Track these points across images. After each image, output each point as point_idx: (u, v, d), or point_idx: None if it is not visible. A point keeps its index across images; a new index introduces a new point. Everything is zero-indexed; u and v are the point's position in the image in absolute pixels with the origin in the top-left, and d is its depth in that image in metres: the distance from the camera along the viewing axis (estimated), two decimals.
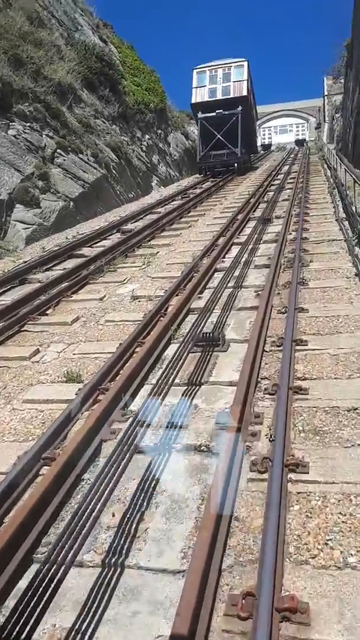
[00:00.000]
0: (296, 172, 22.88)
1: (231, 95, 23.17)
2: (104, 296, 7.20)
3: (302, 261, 7.67)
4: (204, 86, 23.56)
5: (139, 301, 6.80)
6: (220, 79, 23.37)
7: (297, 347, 4.69)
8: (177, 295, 6.76)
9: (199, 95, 23.68)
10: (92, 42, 20.02)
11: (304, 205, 13.06)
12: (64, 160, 14.44)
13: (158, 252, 9.89)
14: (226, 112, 22.86)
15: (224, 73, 23.41)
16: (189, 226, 12.59)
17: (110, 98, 19.78)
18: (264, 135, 62.68)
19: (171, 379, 4.31)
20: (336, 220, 10.76)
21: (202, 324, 5.53)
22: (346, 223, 10.14)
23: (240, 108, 22.94)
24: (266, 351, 4.72)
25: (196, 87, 23.75)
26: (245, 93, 23.22)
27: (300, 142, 51.64)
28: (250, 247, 9.31)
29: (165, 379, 4.29)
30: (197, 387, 4.18)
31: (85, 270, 8.63)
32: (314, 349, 4.65)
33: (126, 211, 16.54)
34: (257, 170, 28.30)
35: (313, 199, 14.43)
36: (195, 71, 23.80)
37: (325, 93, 52.33)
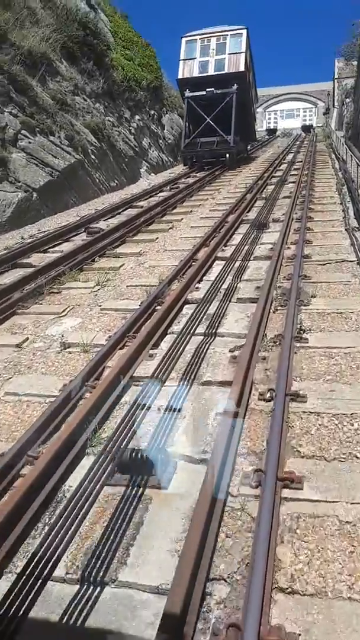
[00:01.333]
0: (301, 161, 20.72)
1: (225, 71, 19.62)
2: (26, 339, 5.22)
3: (301, 297, 5.69)
4: (194, 59, 19.86)
5: (69, 353, 4.83)
6: (213, 51, 19.68)
7: (286, 494, 2.74)
8: (122, 346, 4.80)
9: (187, 70, 20.03)
10: (75, 6, 17.55)
11: (307, 205, 11.00)
12: (30, 143, 12.32)
13: (122, 266, 7.89)
14: (219, 91, 19.32)
15: (218, 43, 19.72)
16: (170, 228, 10.55)
17: (94, 72, 17.47)
18: (269, 119, 59.87)
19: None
20: (346, 230, 8.73)
21: (137, 422, 3.53)
22: (359, 236, 8.13)
23: (235, 86, 19.36)
24: (232, 496, 2.78)
25: (184, 60, 20.11)
26: (242, 68, 19.62)
27: (307, 128, 49.05)
28: (236, 264, 7.32)
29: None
30: None
31: (20, 291, 6.63)
32: (314, 501, 2.71)
33: (105, 203, 14.48)
34: (258, 158, 26.08)
35: (319, 197, 12.36)
36: (184, 40, 20.28)
37: (336, 76, 49.59)
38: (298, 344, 4.55)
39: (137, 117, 20.84)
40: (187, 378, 4.09)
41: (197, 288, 6.37)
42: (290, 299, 5.55)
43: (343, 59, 43.23)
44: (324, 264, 7.01)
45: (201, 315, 5.45)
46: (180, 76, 20.28)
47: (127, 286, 6.82)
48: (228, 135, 19.41)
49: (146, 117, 21.52)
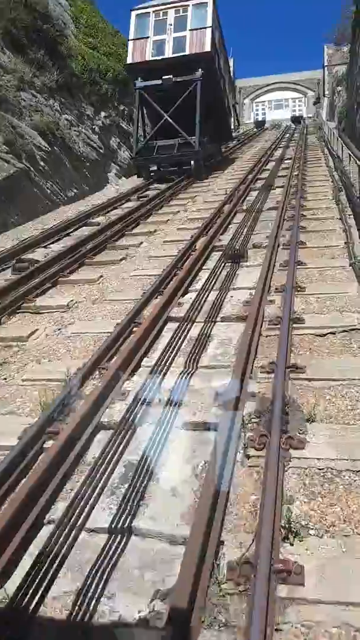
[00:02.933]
0: (290, 158, 18.32)
1: (187, 52, 15.00)
2: None
3: (290, 422, 3.32)
4: (146, 38, 15.21)
5: None
6: (171, 27, 14.96)
7: None
8: None
9: (139, 52, 15.33)
10: None
11: (298, 222, 8.63)
12: None
13: (32, 335, 5.52)
14: (179, 79, 14.80)
15: (177, 17, 15.03)
16: (122, 258, 8.19)
17: (46, 63, 14.95)
18: (257, 110, 57.12)
19: None
20: (351, 265, 6.37)
21: None
22: None
23: (200, 72, 14.81)
24: None
25: (134, 40, 15.52)
26: (208, 48, 14.97)
27: (297, 119, 46.48)
28: (194, 331, 4.96)
29: None
30: None
31: None
32: None
33: (57, 219, 12.07)
34: (244, 154, 23.66)
35: (312, 208, 10.00)
36: (134, 14, 15.68)
37: (325, 63, 47.13)
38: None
39: (102, 113, 18.26)
40: None
41: (122, 396, 3.96)
42: (272, 427, 3.19)
43: (333, 44, 40.76)
44: (323, 335, 4.65)
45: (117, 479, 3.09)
46: (129, 60, 15.82)
47: (19, 385, 4.43)
48: (192, 137, 15.18)
49: (114, 113, 18.95)
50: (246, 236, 8.41)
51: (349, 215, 8.90)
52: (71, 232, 10.59)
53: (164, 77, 14.86)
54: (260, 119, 53.61)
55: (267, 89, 56.21)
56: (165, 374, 4.17)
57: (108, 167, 17.39)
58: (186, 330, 5.05)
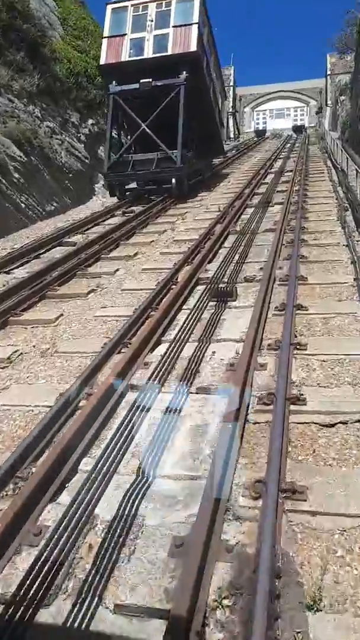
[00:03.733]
0: (291, 171, 17.16)
1: (169, 52, 13.03)
2: None
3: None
4: (123, 35, 13.24)
5: None
6: (151, 23, 13.04)
7: None
8: None
9: (113, 52, 13.34)
10: None
11: (298, 249, 7.41)
12: None
13: None
14: (159, 83, 12.92)
15: (158, 12, 13.09)
16: (89, 291, 6.96)
17: (26, 65, 13.78)
18: (257, 119, 56.10)
19: None
20: None
21: None
22: None
23: (185, 75, 12.93)
24: None
25: (109, 37, 13.61)
26: (194, 47, 12.94)
27: (298, 129, 45.50)
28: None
29: None
30: None
31: None
32: None
33: (31, 236, 10.86)
34: (243, 165, 22.53)
35: (314, 232, 8.81)
36: (109, 8, 13.81)
37: (328, 72, 46.23)
38: None
39: (90, 121, 17.07)
40: None
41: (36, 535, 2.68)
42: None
43: (336, 53, 39.78)
44: (331, 425, 3.40)
45: None
46: (102, 61, 13.80)
47: None
48: (173, 150, 13.07)
49: (103, 120, 17.79)
50: (237, 265, 7.18)
51: (357, 241, 7.67)
52: (42, 253, 9.40)
53: (141, 81, 12.94)
54: (261, 128, 52.69)
55: (268, 98, 55.24)
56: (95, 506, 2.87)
57: (95, 178, 16.20)
58: (146, 409, 3.78)
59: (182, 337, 4.99)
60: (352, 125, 22.09)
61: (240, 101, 53.93)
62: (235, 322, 5.25)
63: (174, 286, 6.50)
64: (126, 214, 12.56)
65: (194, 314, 5.56)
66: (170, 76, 12.90)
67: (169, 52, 13.08)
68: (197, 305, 5.82)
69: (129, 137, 15.10)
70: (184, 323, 5.28)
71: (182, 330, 5.13)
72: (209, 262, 7.52)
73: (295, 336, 4.70)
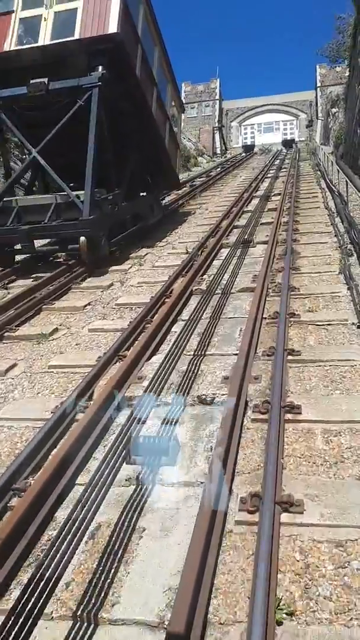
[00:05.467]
0: (279, 194, 14.64)
1: (76, 36, 8.76)
2: None
3: None
4: (9, 13, 8.91)
5: None
6: None
7: None
8: None
9: None
10: None
11: (285, 340, 4.78)
12: None
13: None
14: (58, 85, 8.79)
15: None
16: None
17: None
18: (245, 134, 53.97)
19: None
20: None
21: None
22: None
23: (101, 72, 8.76)
24: None
25: None
26: (114, 28, 8.58)
27: (288, 143, 43.47)
28: None
29: None
30: None
31: None
32: None
33: None
34: (226, 187, 20.10)
35: (310, 296, 6.22)
36: None
37: (318, 84, 44.33)
38: None
39: None
40: None
41: None
42: None
43: (326, 63, 37.79)
44: None
45: None
46: None
47: None
48: (80, 191, 8.72)
49: None
50: (189, 373, 4.50)
51: None
52: None
53: (32, 82, 8.64)
54: (249, 143, 50.72)
55: (256, 112, 53.19)
56: None
57: None
58: None
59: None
60: (347, 139, 19.73)
61: (227, 115, 51.90)
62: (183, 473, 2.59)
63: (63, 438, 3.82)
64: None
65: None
66: (77, 74, 8.65)
67: (76, 36, 8.70)
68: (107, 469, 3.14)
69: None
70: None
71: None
72: (148, 359, 4.83)
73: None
